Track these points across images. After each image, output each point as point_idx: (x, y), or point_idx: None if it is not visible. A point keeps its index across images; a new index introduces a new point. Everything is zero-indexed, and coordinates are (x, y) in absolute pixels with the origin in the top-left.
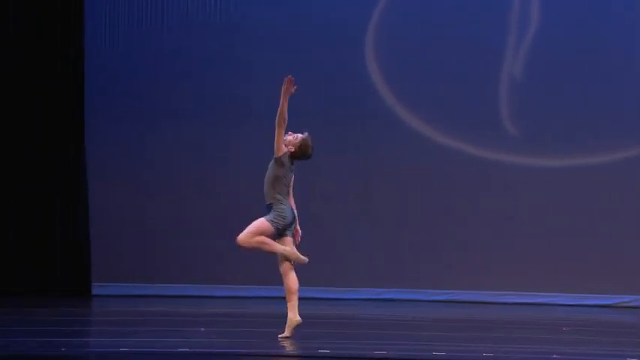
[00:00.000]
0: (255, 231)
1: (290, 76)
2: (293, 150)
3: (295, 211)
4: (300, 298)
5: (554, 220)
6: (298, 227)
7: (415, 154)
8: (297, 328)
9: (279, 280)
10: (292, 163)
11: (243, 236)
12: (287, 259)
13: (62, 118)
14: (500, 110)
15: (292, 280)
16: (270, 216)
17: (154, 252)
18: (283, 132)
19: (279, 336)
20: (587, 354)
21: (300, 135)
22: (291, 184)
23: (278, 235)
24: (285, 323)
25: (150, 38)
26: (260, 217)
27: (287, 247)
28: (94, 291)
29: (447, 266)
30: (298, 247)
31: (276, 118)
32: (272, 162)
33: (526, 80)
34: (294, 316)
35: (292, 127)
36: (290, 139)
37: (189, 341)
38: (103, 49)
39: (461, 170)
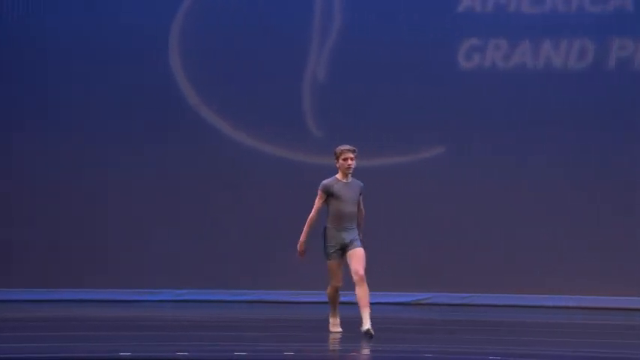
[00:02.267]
0: None
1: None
2: None
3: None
4: (102, 301)
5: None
6: None
7: (220, 155)
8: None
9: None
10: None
11: None
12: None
13: None
14: (305, 111)
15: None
16: None
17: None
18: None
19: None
20: (387, 350)
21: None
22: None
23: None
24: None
25: None
26: None
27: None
28: None
29: (249, 266)
30: None
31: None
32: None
33: (329, 80)
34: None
35: (91, 129)
36: None
37: None
38: None
39: (264, 170)
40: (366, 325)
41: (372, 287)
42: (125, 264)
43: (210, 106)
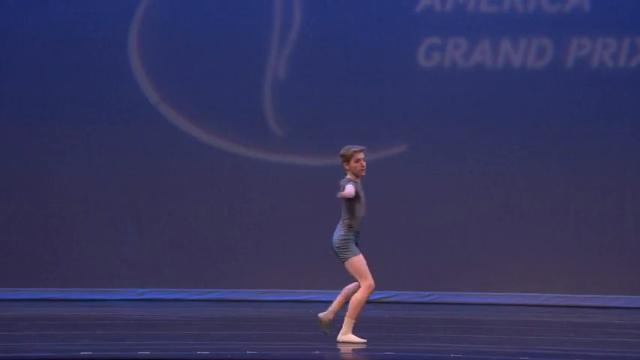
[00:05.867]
0: None
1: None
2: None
3: (334, 236)
4: (58, 300)
5: (320, 219)
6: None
7: (181, 153)
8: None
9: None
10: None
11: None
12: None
13: None
14: (266, 109)
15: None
16: None
17: None
18: None
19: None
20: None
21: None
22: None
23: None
24: None
25: None
26: None
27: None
28: None
29: (211, 265)
30: None
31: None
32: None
33: (290, 79)
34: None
35: (49, 127)
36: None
37: None
38: None
39: (224, 169)
40: (327, 316)
41: (334, 286)
42: (83, 263)
43: (170, 104)
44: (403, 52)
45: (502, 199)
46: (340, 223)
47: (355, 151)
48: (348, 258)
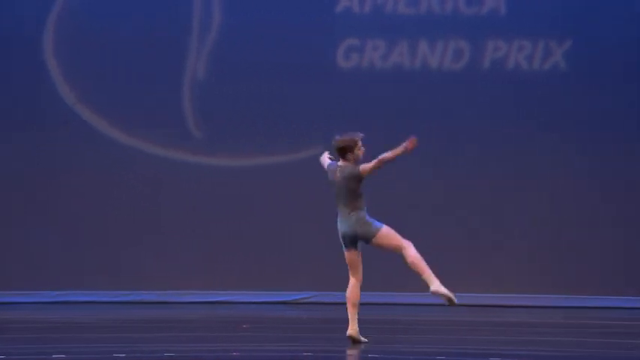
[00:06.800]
0: None
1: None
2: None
3: (350, 225)
4: None
5: (240, 219)
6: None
7: (98, 153)
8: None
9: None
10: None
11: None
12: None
13: None
14: (185, 110)
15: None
16: None
17: None
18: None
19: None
20: (265, 350)
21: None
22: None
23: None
24: None
25: None
26: None
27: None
28: None
29: (128, 266)
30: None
31: (380, 163)
32: (352, 177)
33: (209, 80)
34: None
35: None
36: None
37: None
38: None
39: (143, 170)
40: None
41: (254, 286)
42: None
43: (87, 105)
44: (322, 53)
45: (415, 198)
46: (346, 211)
47: (359, 139)
48: (379, 229)
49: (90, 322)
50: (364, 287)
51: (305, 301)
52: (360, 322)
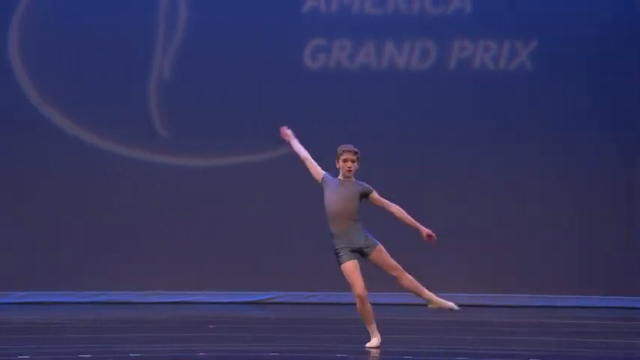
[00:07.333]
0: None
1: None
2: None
3: (363, 236)
4: None
5: (207, 220)
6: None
7: (64, 154)
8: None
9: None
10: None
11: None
12: None
13: None
14: (151, 109)
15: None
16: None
17: None
18: (314, 164)
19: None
20: (232, 350)
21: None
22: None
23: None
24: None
25: None
26: None
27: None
28: None
29: (97, 266)
30: None
31: (395, 211)
32: (362, 195)
33: (175, 79)
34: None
35: None
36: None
37: None
38: None
39: (110, 170)
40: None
41: (220, 287)
42: None
43: (52, 104)
44: (289, 53)
45: (385, 197)
46: (357, 223)
47: (344, 151)
48: (377, 242)
49: (57, 323)
50: (342, 287)
51: (271, 301)
52: (317, 321)
